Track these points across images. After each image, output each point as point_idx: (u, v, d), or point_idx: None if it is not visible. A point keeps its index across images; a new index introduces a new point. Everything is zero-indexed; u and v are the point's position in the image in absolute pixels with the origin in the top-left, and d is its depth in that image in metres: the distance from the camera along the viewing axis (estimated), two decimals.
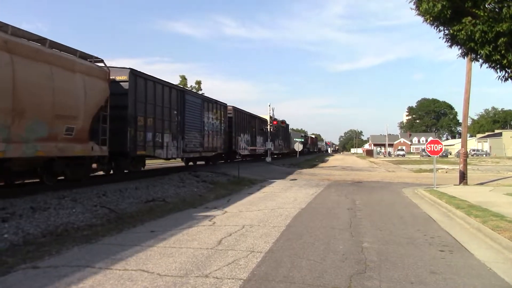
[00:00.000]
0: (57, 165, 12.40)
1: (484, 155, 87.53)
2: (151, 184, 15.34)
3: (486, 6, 8.92)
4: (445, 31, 10.36)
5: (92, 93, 12.83)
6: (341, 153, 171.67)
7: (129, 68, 16.04)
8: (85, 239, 7.83)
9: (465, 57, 11.11)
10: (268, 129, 40.55)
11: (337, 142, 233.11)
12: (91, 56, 13.63)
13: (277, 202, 13.20)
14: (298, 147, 51.02)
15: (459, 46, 10.42)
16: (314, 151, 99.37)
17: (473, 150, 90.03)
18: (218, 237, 8.02)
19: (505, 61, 9.42)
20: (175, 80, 53.45)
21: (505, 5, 8.63)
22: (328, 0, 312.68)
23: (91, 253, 6.77)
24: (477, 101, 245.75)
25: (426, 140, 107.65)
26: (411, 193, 16.40)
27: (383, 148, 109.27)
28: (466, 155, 20.34)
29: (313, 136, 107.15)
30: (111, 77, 14.58)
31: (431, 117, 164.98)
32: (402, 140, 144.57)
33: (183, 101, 20.74)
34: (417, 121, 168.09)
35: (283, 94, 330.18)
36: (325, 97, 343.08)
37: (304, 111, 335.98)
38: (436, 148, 18.16)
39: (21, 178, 12.53)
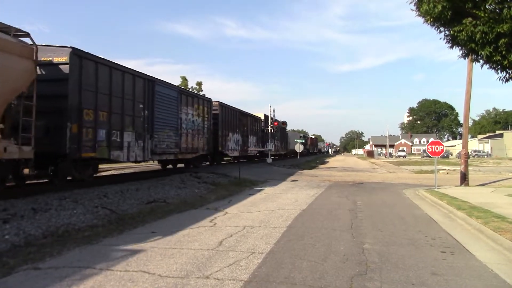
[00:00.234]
0: None
1: (485, 156, 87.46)
2: (152, 185, 15.34)
3: (487, 7, 8.91)
4: (446, 32, 10.34)
5: (5, 74, 9.69)
6: (342, 154, 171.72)
7: (70, 47, 12.66)
8: (86, 240, 7.83)
9: (466, 58, 11.09)
10: (269, 130, 40.53)
11: (337, 143, 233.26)
12: (9, 28, 10.41)
13: (278, 203, 13.20)
14: (299, 148, 50.99)
15: (459, 47, 10.40)
16: (314, 152, 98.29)
17: (474, 151, 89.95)
18: (219, 238, 8.02)
19: (505, 62, 9.40)
20: (176, 81, 53.54)
21: (506, 6, 8.62)
22: (329, 0, 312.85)
23: (92, 254, 6.77)
24: (478, 102, 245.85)
25: (427, 141, 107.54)
26: (412, 194, 16.38)
27: (384, 149, 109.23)
28: (467, 156, 20.32)
29: (313, 137, 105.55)
30: (47, 58, 12.21)
31: (432, 118, 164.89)
32: (403, 141, 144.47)
33: (153, 92, 17.38)
34: (418, 122, 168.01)
35: (283, 95, 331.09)
36: (325, 98, 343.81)
37: (304, 112, 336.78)
38: (437, 149, 18.15)
39: None
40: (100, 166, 21.05)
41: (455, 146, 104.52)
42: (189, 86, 56.31)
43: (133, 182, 15.77)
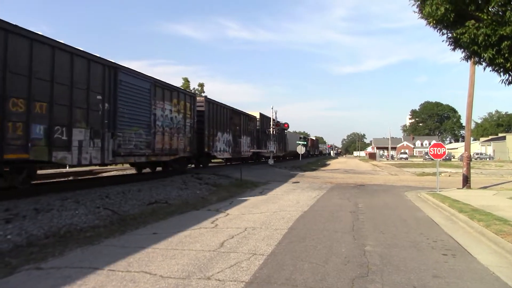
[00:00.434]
0: None
1: (487, 159, 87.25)
2: (153, 186, 15.36)
3: (490, 9, 8.92)
4: (448, 34, 10.36)
5: None
6: (344, 156, 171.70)
7: None
8: (88, 240, 7.84)
9: (469, 60, 11.11)
10: (271, 132, 40.53)
11: (339, 145, 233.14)
12: None
13: (280, 205, 13.19)
14: (301, 149, 50.98)
15: (462, 49, 10.41)
16: (314, 154, 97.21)
17: (477, 154, 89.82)
18: (221, 239, 8.02)
19: (508, 65, 9.40)
20: (178, 83, 53.59)
21: (509, 8, 8.63)
22: (332, 2, 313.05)
23: (94, 255, 6.79)
24: (480, 105, 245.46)
25: (429, 144, 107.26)
26: (414, 196, 16.36)
27: (386, 151, 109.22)
28: (469, 158, 20.28)
29: (314, 138, 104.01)
30: None
31: (434, 120, 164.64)
32: (405, 143, 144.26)
33: (115, 82, 14.30)
34: (420, 124, 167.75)
35: (286, 96, 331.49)
36: (327, 100, 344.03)
37: (306, 113, 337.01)
38: (439, 152, 18.12)
39: None
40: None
41: (457, 148, 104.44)
42: (191, 87, 56.41)
43: (135, 183, 15.80)
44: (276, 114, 41.57)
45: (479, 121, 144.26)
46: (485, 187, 20.46)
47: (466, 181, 19.65)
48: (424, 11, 9.80)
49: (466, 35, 9.26)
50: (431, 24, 10.01)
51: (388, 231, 9.13)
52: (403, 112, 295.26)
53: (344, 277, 5.68)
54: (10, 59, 10.08)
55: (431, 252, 7.25)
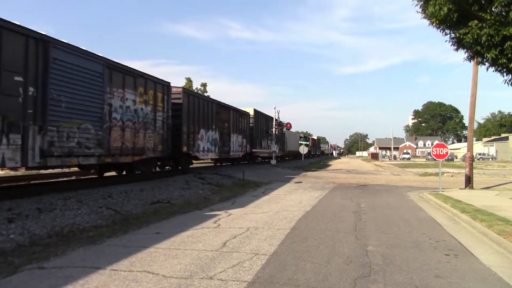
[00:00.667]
0: None
1: (490, 159, 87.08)
2: (156, 186, 15.38)
3: (493, 9, 8.89)
4: (451, 34, 10.34)
5: None
6: (346, 156, 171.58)
7: None
8: (91, 240, 7.86)
9: (471, 60, 11.07)
10: (274, 132, 40.52)
11: (342, 145, 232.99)
12: None
13: (282, 205, 13.20)
14: (303, 150, 50.98)
15: (465, 50, 10.39)
16: (316, 154, 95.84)
17: (479, 154, 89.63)
18: (223, 239, 8.03)
19: (511, 65, 9.38)
20: (181, 82, 53.62)
21: None
22: (334, 3, 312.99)
23: (96, 254, 6.80)
24: (483, 105, 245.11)
25: (432, 144, 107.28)
26: (416, 196, 16.34)
27: (388, 151, 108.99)
28: (472, 159, 20.23)
29: (315, 138, 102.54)
30: None
31: (437, 121, 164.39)
32: (407, 143, 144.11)
33: (45, 60, 11.04)
34: (423, 124, 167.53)
35: (288, 97, 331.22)
36: (330, 100, 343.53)
37: (309, 113, 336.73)
38: (441, 152, 18.10)
39: None
40: None
41: (460, 149, 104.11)
42: (194, 87, 56.45)
43: (137, 182, 15.81)
44: (278, 114, 41.55)
45: (481, 121, 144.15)
46: (487, 188, 20.41)
47: (469, 182, 19.62)
48: (427, 11, 9.77)
49: (469, 35, 9.24)
50: (434, 24, 9.99)
51: (391, 231, 9.12)
52: (406, 112, 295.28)
53: (346, 277, 5.68)
54: None
55: (433, 252, 7.24)
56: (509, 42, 8.80)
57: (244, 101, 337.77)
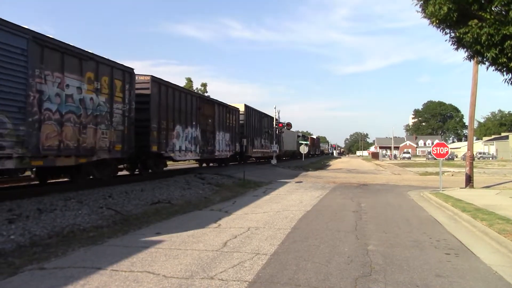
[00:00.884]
0: None
1: (490, 158, 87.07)
2: (156, 186, 15.39)
3: (493, 9, 8.89)
4: (451, 33, 10.34)
5: None
6: (347, 155, 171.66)
7: None
8: (91, 240, 7.87)
9: (471, 59, 11.08)
10: (274, 132, 40.52)
11: (342, 145, 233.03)
12: None
13: (283, 205, 13.20)
14: (303, 149, 50.93)
15: (465, 49, 10.39)
16: (315, 154, 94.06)
17: (480, 153, 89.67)
18: (224, 239, 8.03)
19: (511, 64, 9.37)
20: (181, 82, 53.60)
21: None
22: (334, 2, 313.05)
23: (97, 255, 6.81)
24: (483, 104, 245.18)
25: (432, 143, 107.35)
26: (416, 196, 16.34)
27: (388, 151, 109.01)
28: (472, 158, 20.24)
29: (314, 137, 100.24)
30: None
31: (437, 120, 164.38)
32: (408, 142, 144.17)
33: None
34: (423, 123, 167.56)
35: (289, 96, 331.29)
36: (331, 100, 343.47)
37: (309, 113, 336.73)
38: (442, 151, 18.10)
39: None
40: None
41: (460, 148, 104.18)
42: (194, 87, 56.46)
43: (138, 182, 15.80)
44: (279, 113, 41.58)
45: (482, 120, 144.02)
46: (488, 187, 20.41)
47: (469, 181, 19.62)
48: (427, 11, 9.77)
49: (469, 35, 9.23)
50: (434, 23, 9.98)
51: (391, 230, 9.12)
52: (406, 112, 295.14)
53: (347, 277, 5.68)
54: None
55: (434, 252, 7.24)
56: (509, 41, 8.80)
57: (245, 100, 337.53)
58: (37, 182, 14.67)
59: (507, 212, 10.70)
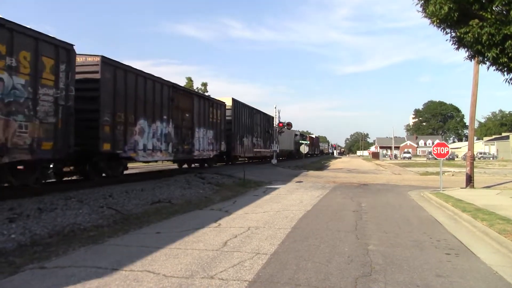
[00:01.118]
0: None
1: (491, 158, 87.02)
2: (157, 185, 15.39)
3: (494, 8, 8.88)
4: (452, 33, 10.32)
5: None
6: (347, 155, 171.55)
7: None
8: (92, 240, 7.87)
9: (472, 59, 11.07)
10: (275, 131, 40.48)
11: (343, 145, 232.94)
12: None
13: (283, 204, 13.20)
14: (304, 149, 50.84)
15: (466, 49, 10.38)
16: (315, 154, 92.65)
17: (480, 153, 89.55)
18: (224, 238, 8.03)
19: None
20: (181, 82, 53.53)
21: None
22: (335, 2, 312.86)
23: (97, 254, 6.81)
24: (484, 104, 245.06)
25: (433, 143, 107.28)
26: (417, 196, 16.33)
27: (389, 150, 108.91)
28: (472, 158, 20.22)
29: (314, 136, 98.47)
30: None
31: (438, 120, 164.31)
32: (408, 142, 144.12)
33: None
34: (424, 123, 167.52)
35: (289, 96, 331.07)
36: (331, 100, 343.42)
37: (310, 113, 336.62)
38: (442, 151, 18.08)
39: None
40: None
41: (460, 148, 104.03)
42: (195, 87, 56.45)
43: (138, 182, 15.81)
44: (279, 113, 41.47)
45: (482, 120, 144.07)
46: (488, 187, 20.40)
47: (470, 181, 19.61)
48: (427, 10, 9.76)
49: (469, 34, 9.22)
50: (435, 23, 9.98)
51: (391, 230, 9.12)
52: (407, 112, 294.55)
53: (347, 277, 5.68)
54: None
55: (434, 252, 7.24)
56: (510, 41, 8.79)
57: (245, 100, 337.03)
58: None
59: (507, 212, 10.69)
